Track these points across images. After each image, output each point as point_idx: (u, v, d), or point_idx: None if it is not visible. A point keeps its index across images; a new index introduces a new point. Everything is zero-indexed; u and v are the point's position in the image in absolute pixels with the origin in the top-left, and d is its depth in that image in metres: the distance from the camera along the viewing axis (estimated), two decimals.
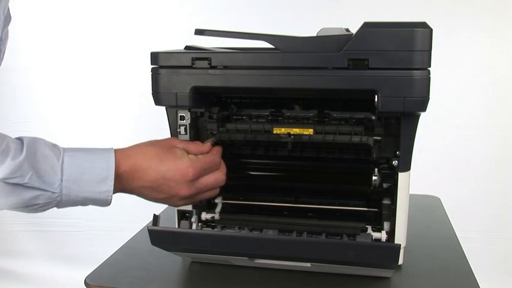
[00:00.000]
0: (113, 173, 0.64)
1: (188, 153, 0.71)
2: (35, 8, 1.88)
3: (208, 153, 0.73)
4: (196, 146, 0.74)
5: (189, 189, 0.69)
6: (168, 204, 0.73)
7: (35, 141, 0.62)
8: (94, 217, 1.94)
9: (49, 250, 2.05)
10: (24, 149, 0.60)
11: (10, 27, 0.71)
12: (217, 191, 0.75)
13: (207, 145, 0.75)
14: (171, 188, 0.68)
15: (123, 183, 0.66)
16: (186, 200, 0.71)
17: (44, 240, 2.05)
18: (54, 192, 0.61)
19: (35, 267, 2.05)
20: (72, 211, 0.67)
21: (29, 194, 0.60)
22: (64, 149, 0.64)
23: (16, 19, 1.98)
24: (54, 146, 0.64)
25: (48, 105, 1.92)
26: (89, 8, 1.86)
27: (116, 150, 0.66)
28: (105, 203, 0.65)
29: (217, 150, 0.75)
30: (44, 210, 0.63)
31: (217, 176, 0.73)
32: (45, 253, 2.06)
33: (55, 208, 0.64)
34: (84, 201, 0.64)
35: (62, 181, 0.62)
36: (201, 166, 0.70)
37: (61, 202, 0.63)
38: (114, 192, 0.65)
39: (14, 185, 0.59)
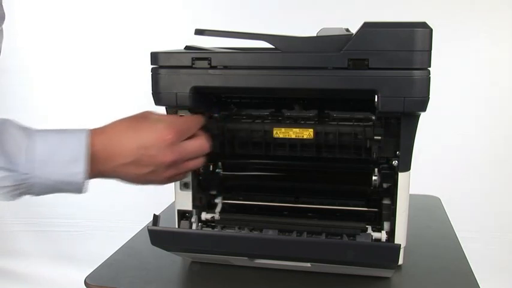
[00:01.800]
0: (85, 151, 0.60)
1: None
2: (36, 8, 1.88)
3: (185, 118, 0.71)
4: (171, 115, 0.71)
5: (173, 153, 0.65)
6: (155, 183, 0.67)
7: (4, 122, 0.60)
8: (94, 217, 1.94)
9: (49, 250, 2.05)
10: None
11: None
12: (202, 160, 0.71)
13: (183, 115, 0.72)
14: (153, 157, 0.64)
15: (100, 164, 0.62)
16: (173, 169, 0.66)
17: (44, 240, 2.05)
18: (22, 173, 0.58)
19: (35, 267, 2.05)
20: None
21: None
22: (36, 130, 0.61)
23: (17, 20, 1.99)
24: (26, 127, 0.61)
25: (49, 106, 1.92)
26: (89, 8, 1.86)
27: (90, 129, 0.63)
28: (79, 187, 0.61)
29: (197, 117, 0.72)
30: (17, 196, 0.59)
31: (201, 141, 0.69)
32: (45, 253, 2.06)
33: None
34: (58, 186, 0.60)
35: (31, 162, 0.58)
36: (178, 127, 0.66)
37: (34, 186, 0.59)
38: (90, 177, 0.61)
39: None
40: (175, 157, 0.66)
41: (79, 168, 0.60)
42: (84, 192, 0.62)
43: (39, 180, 0.59)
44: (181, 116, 0.72)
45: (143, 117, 0.68)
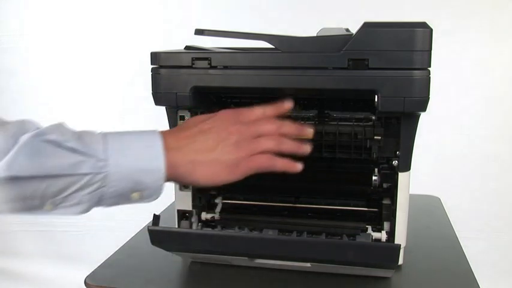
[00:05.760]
0: (159, 136, 0.58)
1: None
2: (38, 8, 1.88)
3: None
4: None
5: (233, 113, 0.65)
6: (231, 158, 0.62)
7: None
8: (94, 217, 1.94)
9: (49, 250, 2.06)
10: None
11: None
12: (281, 141, 0.65)
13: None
14: (215, 121, 0.63)
15: (172, 149, 0.59)
16: (242, 141, 0.62)
17: (44, 240, 2.05)
18: (100, 160, 0.54)
19: (35, 267, 2.05)
20: None
21: (71, 159, 0.53)
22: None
23: (20, 20, 1.98)
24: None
25: (52, 106, 1.92)
26: (90, 9, 1.86)
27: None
28: (159, 174, 0.57)
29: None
30: (91, 190, 0.55)
31: (267, 117, 0.65)
32: (45, 253, 2.06)
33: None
34: (135, 177, 0.56)
35: (107, 149, 0.55)
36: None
37: (108, 177, 0.55)
38: (167, 169, 0.57)
39: (53, 144, 0.53)
40: (237, 117, 0.64)
41: (156, 151, 0.57)
42: (161, 189, 0.59)
43: (116, 169, 0.55)
44: None
45: None
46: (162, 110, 0.76)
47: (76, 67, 1.90)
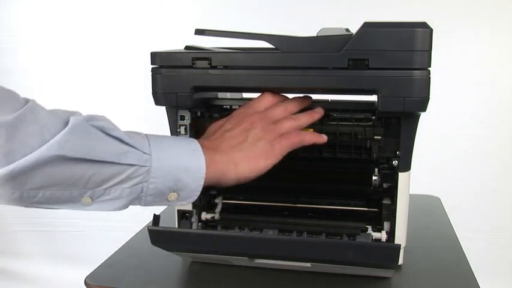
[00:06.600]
0: (195, 140, 0.62)
1: None
2: (36, 8, 1.88)
3: None
4: None
5: (249, 106, 0.70)
6: (262, 143, 0.65)
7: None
8: (94, 217, 1.94)
9: (49, 250, 2.06)
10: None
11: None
12: (296, 133, 0.69)
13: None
14: (237, 115, 0.68)
15: (209, 149, 0.62)
16: (267, 124, 0.67)
17: (44, 240, 2.05)
18: (145, 153, 0.56)
19: (35, 267, 2.05)
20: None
21: (119, 148, 0.55)
22: None
23: (17, 20, 1.99)
24: None
25: (49, 106, 1.92)
26: (89, 8, 1.86)
27: None
28: (199, 173, 0.59)
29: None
30: (133, 183, 0.56)
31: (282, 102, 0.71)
32: (45, 253, 2.06)
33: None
34: (176, 173, 0.58)
35: (150, 146, 0.57)
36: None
37: (151, 172, 0.56)
38: (207, 169, 0.59)
39: (103, 131, 0.55)
40: (251, 108, 0.69)
41: (195, 147, 0.61)
42: (198, 190, 0.60)
43: (158, 164, 0.57)
44: None
45: None
46: (162, 110, 0.76)
47: (76, 67, 1.90)
